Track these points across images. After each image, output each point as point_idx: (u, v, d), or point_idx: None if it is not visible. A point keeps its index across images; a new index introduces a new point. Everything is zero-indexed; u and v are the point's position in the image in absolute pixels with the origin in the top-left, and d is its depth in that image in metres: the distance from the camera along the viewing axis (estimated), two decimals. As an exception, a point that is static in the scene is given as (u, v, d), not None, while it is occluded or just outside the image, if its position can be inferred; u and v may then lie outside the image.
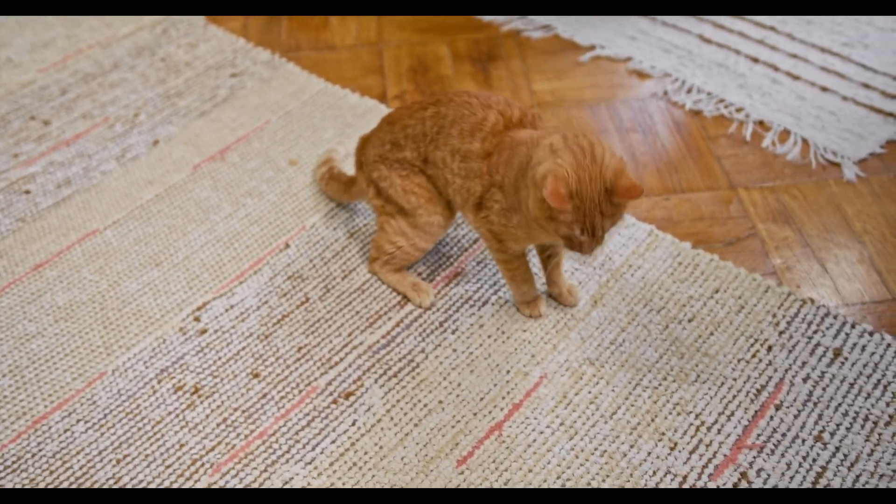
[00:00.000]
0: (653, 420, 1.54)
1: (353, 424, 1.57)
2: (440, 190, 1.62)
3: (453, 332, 1.69)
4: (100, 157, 2.17)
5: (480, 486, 1.45)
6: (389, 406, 1.59)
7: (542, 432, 1.53)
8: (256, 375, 1.65)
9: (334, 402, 1.60)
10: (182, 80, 2.39)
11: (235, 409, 1.60)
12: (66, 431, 1.59)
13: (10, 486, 1.51)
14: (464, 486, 1.46)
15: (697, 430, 1.53)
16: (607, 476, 1.47)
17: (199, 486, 1.49)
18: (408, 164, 1.63)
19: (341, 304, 1.77)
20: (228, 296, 1.80)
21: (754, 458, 1.49)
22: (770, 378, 1.59)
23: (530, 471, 1.48)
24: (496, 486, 1.45)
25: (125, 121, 2.27)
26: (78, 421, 1.60)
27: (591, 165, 1.34)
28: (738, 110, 2.19)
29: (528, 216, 1.45)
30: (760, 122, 2.15)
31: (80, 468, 1.53)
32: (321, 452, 1.53)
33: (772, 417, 1.54)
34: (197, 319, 1.76)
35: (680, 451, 1.50)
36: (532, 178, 1.39)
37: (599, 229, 1.38)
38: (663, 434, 1.52)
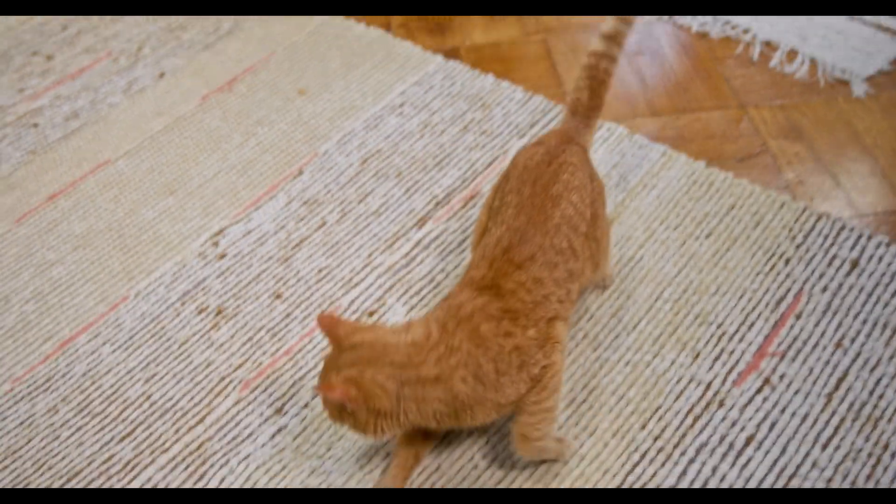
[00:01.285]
0: (675, 331, 1.57)
1: (379, 340, 1.58)
2: None
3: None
4: (106, 90, 2.15)
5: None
6: (413, 322, 1.60)
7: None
8: (279, 296, 1.66)
9: (357, 320, 1.62)
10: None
11: (260, 329, 1.61)
12: (93, 353, 1.60)
13: (41, 405, 1.52)
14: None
15: (719, 339, 1.55)
16: (632, 384, 1.49)
17: (228, 400, 1.50)
18: None
19: (359, 227, 1.78)
20: (245, 221, 1.81)
21: (776, 364, 1.51)
22: (789, 289, 1.62)
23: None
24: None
25: (129, 54, 2.25)
26: (104, 343, 1.61)
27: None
28: (745, 31, 2.19)
29: None
30: (767, 43, 2.16)
31: (111, 387, 1.55)
32: (348, 367, 1.54)
33: (792, 326, 1.57)
34: (215, 244, 1.77)
35: (703, 360, 1.52)
36: None
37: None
38: (685, 344, 1.54)
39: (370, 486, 1.38)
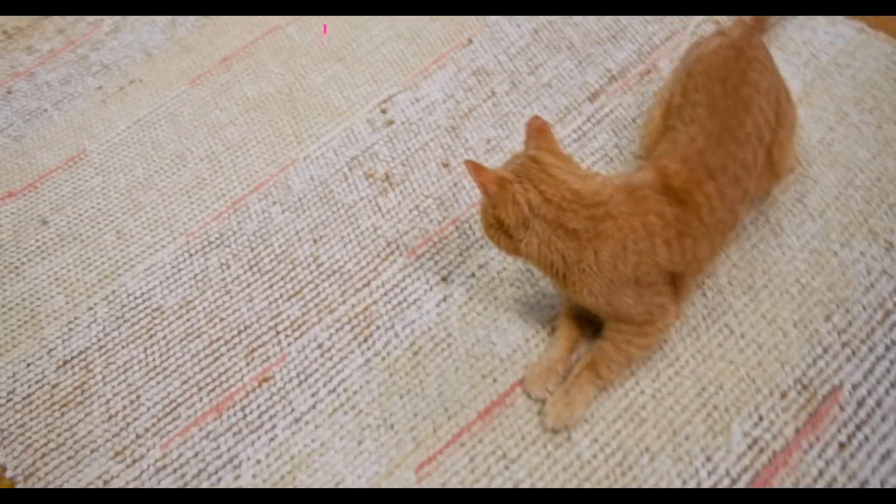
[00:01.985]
0: (866, 220, 1.46)
1: (547, 214, 1.53)
2: None
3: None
4: (277, -44, 2.13)
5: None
6: (583, 197, 1.54)
7: (745, 228, 1.46)
8: (446, 165, 1.63)
9: (526, 192, 1.57)
10: None
11: (427, 197, 1.59)
12: (263, 212, 1.62)
13: (214, 259, 1.55)
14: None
15: (917, 231, 1.43)
16: (817, 273, 1.40)
17: (395, 266, 1.50)
18: None
19: (529, 99, 1.72)
20: (413, 89, 1.78)
21: (980, 259, 1.39)
22: None
23: (734, 266, 1.43)
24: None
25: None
26: (274, 203, 1.63)
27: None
28: None
29: None
30: None
31: (280, 246, 1.56)
32: (515, 239, 1.51)
33: None
34: (384, 111, 1.74)
35: (897, 251, 1.41)
36: None
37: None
38: (878, 235, 1.44)
39: (534, 359, 1.36)
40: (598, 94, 1.69)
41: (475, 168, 1.16)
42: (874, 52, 1.68)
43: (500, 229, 1.21)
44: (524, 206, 1.17)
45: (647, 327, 1.28)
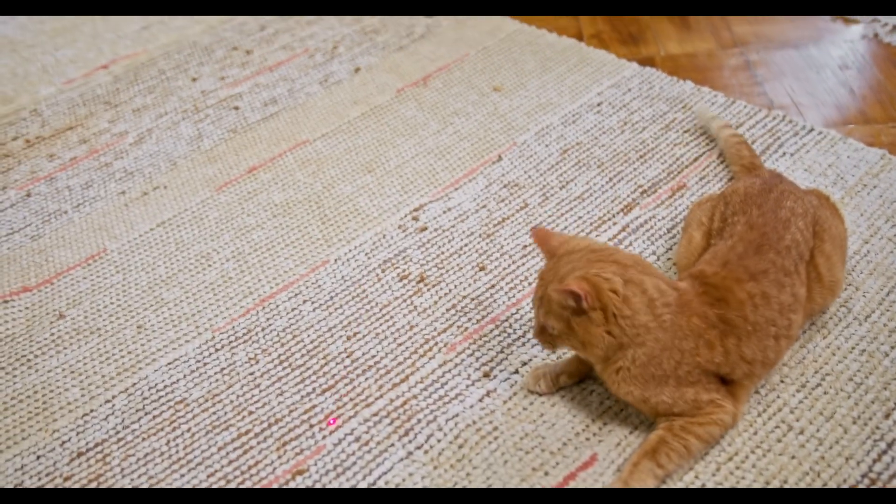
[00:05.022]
0: (912, 324, 1.45)
1: (589, 314, 1.51)
2: None
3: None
4: (303, 82, 2.18)
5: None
6: (624, 300, 1.52)
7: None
8: (483, 268, 1.62)
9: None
10: (377, 17, 2.40)
11: (464, 297, 1.57)
12: (293, 310, 1.57)
13: (242, 354, 1.49)
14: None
15: (964, 335, 1.42)
16: (870, 373, 1.37)
17: (434, 362, 1.45)
18: None
19: (562, 210, 1.73)
20: (445, 200, 1.78)
21: None
22: None
23: (784, 365, 1.40)
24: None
25: (325, 52, 2.29)
26: (305, 301, 1.59)
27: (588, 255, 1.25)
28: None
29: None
30: None
31: (311, 342, 1.51)
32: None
33: None
34: (416, 219, 1.74)
35: (947, 354, 1.39)
36: None
37: (538, 309, 1.28)
38: (926, 338, 1.42)
39: (588, 454, 1.30)
40: (632, 207, 1.71)
41: (561, 288, 1.18)
42: (898, 174, 1.72)
43: (605, 315, 1.20)
44: (615, 278, 1.19)
45: (701, 417, 1.25)
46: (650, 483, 1.22)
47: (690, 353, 1.22)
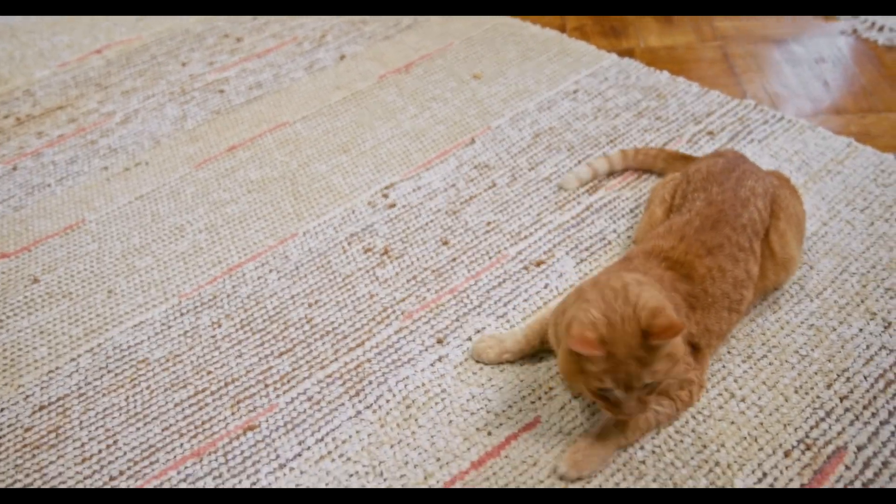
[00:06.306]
0: (863, 301, 1.47)
1: (546, 287, 1.54)
2: None
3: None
4: (289, 68, 2.23)
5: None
6: (582, 275, 1.56)
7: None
8: (446, 243, 1.65)
9: (525, 268, 1.58)
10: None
11: (425, 269, 1.60)
12: (259, 278, 1.61)
13: (206, 318, 1.53)
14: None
15: (914, 313, 1.44)
16: (816, 346, 1.39)
17: (390, 328, 1.48)
18: None
19: (529, 190, 1.76)
20: (416, 179, 1.82)
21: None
22: None
23: (733, 337, 1.42)
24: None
25: (313, 40, 2.34)
26: (271, 271, 1.62)
27: (624, 307, 1.12)
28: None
29: (562, 375, 1.25)
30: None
31: (273, 308, 1.55)
32: (513, 308, 1.51)
33: None
34: (385, 196, 1.77)
35: (895, 330, 1.41)
36: (559, 329, 1.23)
37: (636, 380, 1.12)
38: (875, 314, 1.44)
39: (532, 417, 1.32)
40: (598, 188, 1.73)
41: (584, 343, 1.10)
42: (863, 161, 1.74)
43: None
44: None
45: (679, 392, 1.29)
46: (612, 449, 1.26)
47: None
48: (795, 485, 1.20)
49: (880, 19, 2.21)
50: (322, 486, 1.25)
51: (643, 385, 1.13)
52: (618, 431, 1.26)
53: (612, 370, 1.12)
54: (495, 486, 1.23)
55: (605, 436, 1.25)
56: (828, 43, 2.18)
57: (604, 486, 1.22)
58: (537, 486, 1.23)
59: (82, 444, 1.36)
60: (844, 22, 2.25)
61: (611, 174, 1.75)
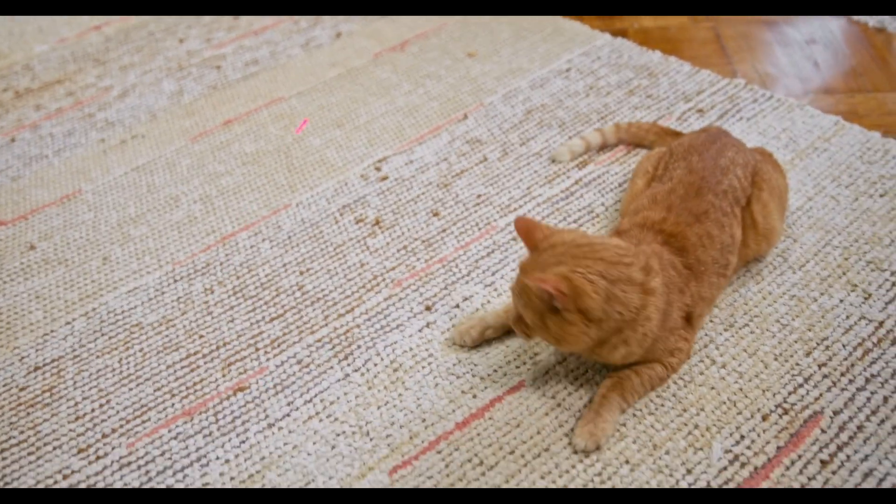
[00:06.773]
0: (844, 273, 1.49)
1: (533, 257, 1.56)
2: None
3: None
4: (285, 45, 2.26)
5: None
6: (569, 245, 1.58)
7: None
8: (436, 214, 1.67)
9: (514, 239, 1.61)
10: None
11: (416, 239, 1.62)
12: (252, 247, 1.64)
13: (199, 285, 1.56)
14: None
15: (894, 285, 1.46)
16: (797, 316, 1.42)
17: (379, 296, 1.51)
18: None
19: (519, 165, 1.79)
20: (408, 153, 1.84)
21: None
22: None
23: (715, 306, 1.45)
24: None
25: (309, 18, 2.36)
26: (263, 240, 1.65)
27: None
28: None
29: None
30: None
31: (266, 276, 1.57)
32: (501, 277, 1.54)
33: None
34: (378, 169, 1.80)
35: (875, 301, 1.44)
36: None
37: (515, 308, 1.26)
38: (856, 286, 1.47)
39: (516, 381, 1.35)
40: (587, 163, 1.76)
41: (538, 279, 1.16)
42: (850, 139, 1.76)
43: (582, 318, 1.19)
44: (600, 282, 1.18)
45: (670, 360, 1.32)
46: (618, 414, 1.28)
47: (676, 304, 1.29)
48: (772, 447, 1.22)
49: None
50: (310, 444, 1.28)
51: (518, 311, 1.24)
52: (618, 397, 1.28)
53: (519, 272, 1.25)
54: (479, 446, 1.25)
55: (607, 404, 1.27)
56: (819, 25, 2.20)
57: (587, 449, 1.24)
58: (520, 447, 1.25)
59: (76, 404, 1.38)
60: (836, 5, 2.27)
61: (603, 147, 1.77)
